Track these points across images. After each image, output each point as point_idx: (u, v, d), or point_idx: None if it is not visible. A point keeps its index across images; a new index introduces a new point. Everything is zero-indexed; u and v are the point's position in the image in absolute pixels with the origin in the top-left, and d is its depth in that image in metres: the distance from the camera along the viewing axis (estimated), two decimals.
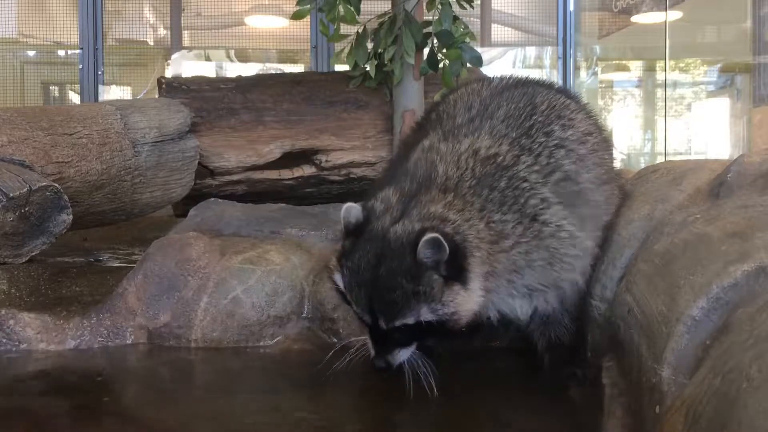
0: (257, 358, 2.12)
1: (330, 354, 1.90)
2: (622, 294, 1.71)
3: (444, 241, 1.59)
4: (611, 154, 2.06)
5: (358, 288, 1.68)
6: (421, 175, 1.78)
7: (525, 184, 1.75)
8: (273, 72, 6.90)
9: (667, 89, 7.43)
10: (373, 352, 1.72)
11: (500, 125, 1.85)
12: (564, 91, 2.12)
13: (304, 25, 6.67)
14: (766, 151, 1.81)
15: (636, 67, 8.24)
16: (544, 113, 1.89)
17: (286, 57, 7.66)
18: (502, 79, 2.11)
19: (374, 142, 3.83)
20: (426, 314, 1.62)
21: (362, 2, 3.58)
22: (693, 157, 7.70)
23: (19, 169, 2.54)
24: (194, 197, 3.39)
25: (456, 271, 1.64)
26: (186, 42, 7.39)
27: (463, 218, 1.69)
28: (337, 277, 1.74)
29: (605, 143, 2.01)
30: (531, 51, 7.53)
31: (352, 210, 1.74)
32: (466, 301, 1.65)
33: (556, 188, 1.78)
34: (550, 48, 7.27)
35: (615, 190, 1.98)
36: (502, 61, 7.43)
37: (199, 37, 7.70)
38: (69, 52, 7.35)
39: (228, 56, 7.67)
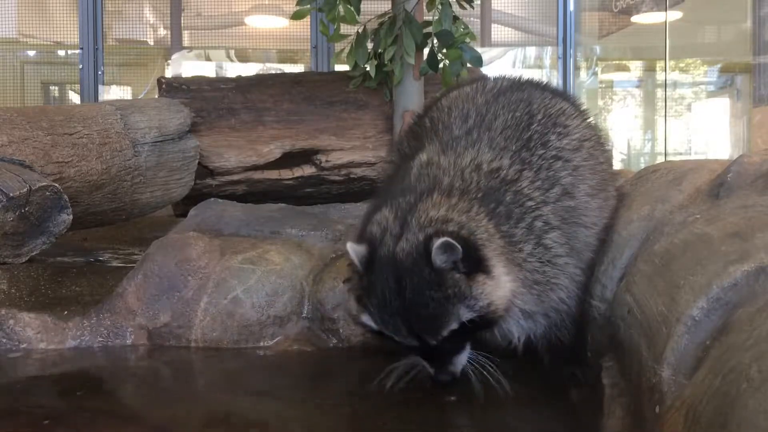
0: (257, 358, 2.12)
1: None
2: (622, 294, 1.71)
3: (454, 242, 1.57)
4: (608, 156, 2.05)
5: (391, 318, 1.63)
6: (421, 189, 1.75)
7: (530, 203, 1.75)
8: (273, 72, 6.89)
9: (667, 89, 7.43)
10: (431, 370, 1.68)
11: (499, 137, 1.85)
12: (559, 93, 2.10)
13: (304, 25, 6.67)
14: (766, 151, 1.81)
15: (636, 67, 8.24)
16: (542, 122, 1.89)
17: (286, 57, 7.66)
18: (495, 82, 2.09)
19: (374, 142, 3.83)
20: (465, 313, 1.60)
21: (362, 2, 3.58)
22: (693, 157, 7.70)
23: (19, 169, 2.54)
24: (194, 197, 3.39)
25: (474, 264, 1.62)
26: (186, 42, 7.38)
27: (467, 217, 1.67)
28: (366, 318, 1.69)
29: (601, 146, 2.01)
30: (531, 51, 7.53)
31: (356, 249, 1.68)
32: (496, 288, 1.64)
33: (556, 207, 1.78)
34: (550, 48, 7.27)
35: (611, 193, 1.99)
36: (502, 61, 7.43)
37: (199, 37, 7.70)
38: (69, 52, 7.35)
39: (228, 56, 7.67)
